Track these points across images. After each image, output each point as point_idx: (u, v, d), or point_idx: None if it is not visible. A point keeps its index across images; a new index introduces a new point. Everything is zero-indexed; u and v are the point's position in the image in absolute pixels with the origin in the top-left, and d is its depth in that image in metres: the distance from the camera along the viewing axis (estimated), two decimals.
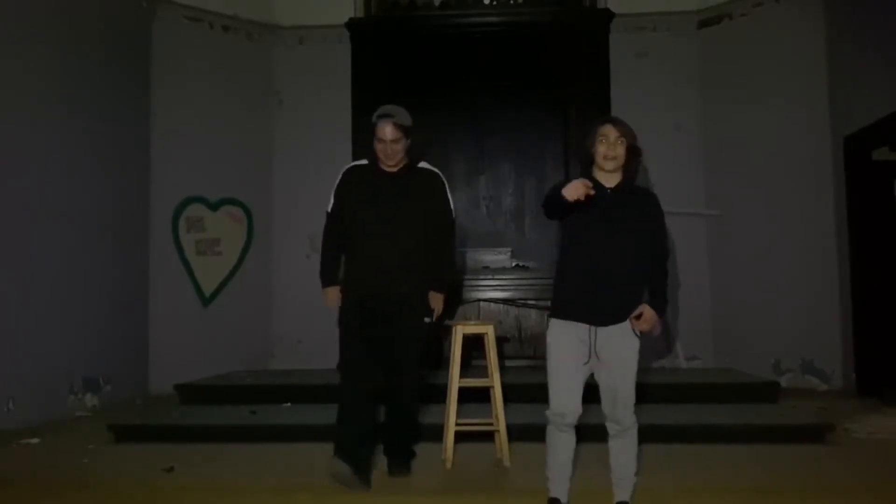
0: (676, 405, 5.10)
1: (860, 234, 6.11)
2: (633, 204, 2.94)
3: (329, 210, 3.55)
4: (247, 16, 7.53)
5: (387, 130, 3.33)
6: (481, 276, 6.75)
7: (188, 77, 7.10)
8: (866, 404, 5.51)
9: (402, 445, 3.82)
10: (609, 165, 2.89)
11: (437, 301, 3.59)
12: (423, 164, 3.56)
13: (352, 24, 7.43)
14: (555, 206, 2.84)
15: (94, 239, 6.10)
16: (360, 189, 3.45)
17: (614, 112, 7.15)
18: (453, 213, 3.60)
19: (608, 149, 2.87)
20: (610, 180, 2.93)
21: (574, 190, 2.70)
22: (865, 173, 6.07)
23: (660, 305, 2.93)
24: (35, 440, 4.77)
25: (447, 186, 3.58)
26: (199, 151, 7.12)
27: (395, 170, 3.46)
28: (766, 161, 6.82)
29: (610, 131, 2.87)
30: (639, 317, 2.89)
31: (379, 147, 3.39)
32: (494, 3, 7.66)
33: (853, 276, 6.19)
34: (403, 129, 3.37)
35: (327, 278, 3.58)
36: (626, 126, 2.91)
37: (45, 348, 5.51)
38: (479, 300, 6.72)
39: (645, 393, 5.09)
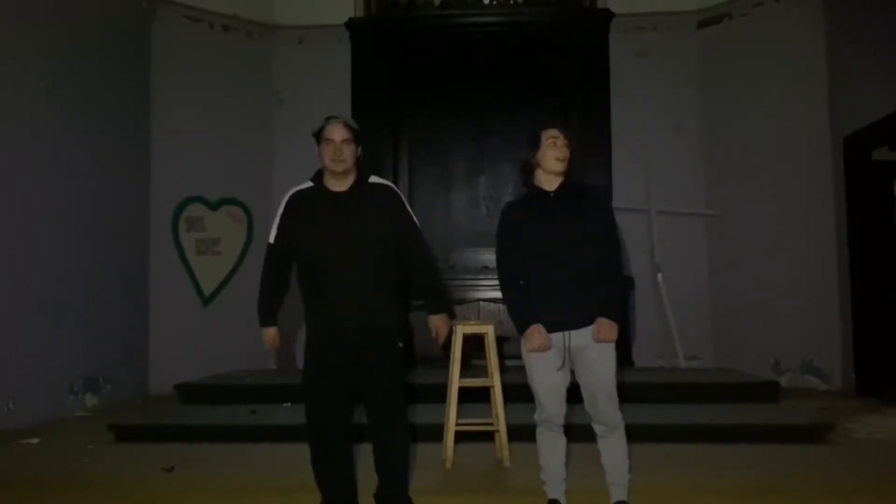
0: (676, 405, 5.10)
1: (860, 234, 6.11)
2: (577, 203, 3.01)
3: (271, 241, 3.16)
4: (247, 15, 7.54)
5: (336, 130, 3.14)
6: (481, 276, 6.75)
7: (188, 77, 7.10)
8: (866, 404, 5.51)
9: (396, 493, 3.18)
10: (560, 167, 3.00)
11: (439, 324, 3.17)
12: (374, 179, 3.23)
13: (352, 24, 7.44)
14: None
15: (95, 239, 6.10)
16: (309, 216, 3.10)
17: (614, 112, 7.19)
18: (417, 225, 3.24)
19: (558, 151, 2.98)
20: (552, 184, 3.03)
21: (533, 344, 2.92)
22: (865, 173, 6.07)
23: (613, 313, 2.93)
24: (35, 440, 4.77)
25: (404, 198, 3.26)
26: (199, 151, 7.12)
27: (344, 188, 3.13)
28: (765, 161, 6.82)
29: (556, 135, 3.00)
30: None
31: (328, 151, 3.11)
32: (494, 3, 7.65)
33: (853, 275, 6.19)
34: (353, 131, 3.17)
35: (265, 317, 3.21)
36: (565, 129, 3.06)
37: (45, 348, 5.51)
38: (479, 300, 6.71)
39: (645, 393, 5.15)
